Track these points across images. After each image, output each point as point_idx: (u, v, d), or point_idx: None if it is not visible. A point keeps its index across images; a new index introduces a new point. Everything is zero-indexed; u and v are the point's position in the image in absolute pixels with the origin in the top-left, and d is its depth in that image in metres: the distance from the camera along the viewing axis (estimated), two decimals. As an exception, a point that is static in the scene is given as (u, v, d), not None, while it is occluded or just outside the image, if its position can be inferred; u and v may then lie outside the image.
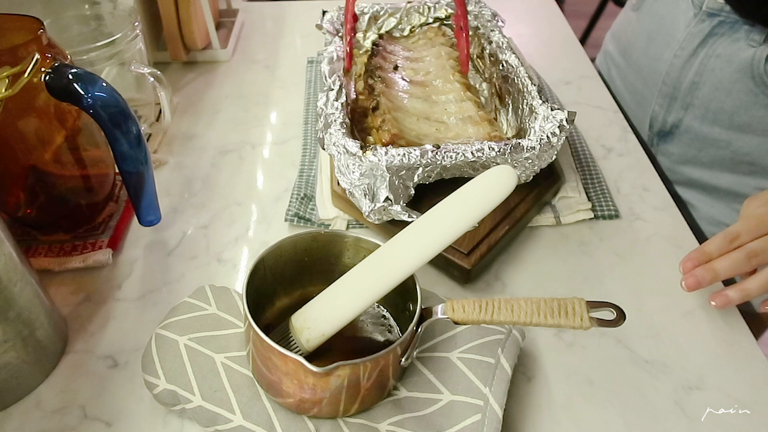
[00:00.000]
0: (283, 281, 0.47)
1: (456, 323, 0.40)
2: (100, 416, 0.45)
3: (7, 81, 0.43)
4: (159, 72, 0.65)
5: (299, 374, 0.38)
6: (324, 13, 0.76)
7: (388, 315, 0.48)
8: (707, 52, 0.64)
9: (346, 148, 0.53)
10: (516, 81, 0.64)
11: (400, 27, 0.81)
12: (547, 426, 0.45)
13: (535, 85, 0.61)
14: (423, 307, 0.41)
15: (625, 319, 0.37)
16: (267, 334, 0.38)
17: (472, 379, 0.43)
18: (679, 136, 0.70)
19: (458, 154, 0.54)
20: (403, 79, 0.70)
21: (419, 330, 0.40)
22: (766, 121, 0.62)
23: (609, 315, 0.38)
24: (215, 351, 0.45)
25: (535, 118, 0.58)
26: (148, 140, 0.71)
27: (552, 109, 0.57)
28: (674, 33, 0.68)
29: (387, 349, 0.38)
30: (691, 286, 0.49)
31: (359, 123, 0.64)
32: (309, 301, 0.42)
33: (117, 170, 0.52)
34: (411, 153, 0.53)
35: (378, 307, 0.48)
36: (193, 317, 0.47)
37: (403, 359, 0.41)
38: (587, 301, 0.38)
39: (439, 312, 0.40)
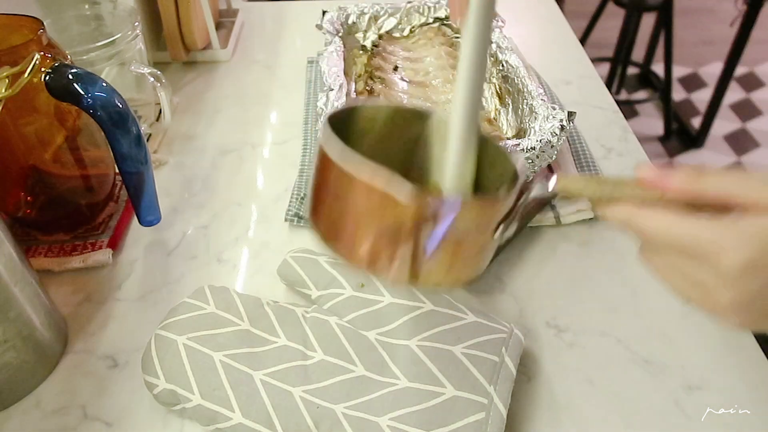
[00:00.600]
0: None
1: (568, 195, 0.34)
2: (100, 416, 0.45)
3: (7, 81, 0.43)
4: (159, 72, 0.65)
5: (384, 206, 0.30)
6: (324, 13, 0.76)
7: None
8: None
9: (346, 148, 0.53)
10: (516, 81, 0.64)
11: (400, 27, 0.81)
12: (547, 426, 0.45)
13: (534, 85, 0.61)
14: (522, 181, 0.34)
15: None
16: None
17: (477, 376, 0.43)
18: None
19: (458, 154, 0.54)
20: (403, 80, 0.70)
21: (523, 199, 0.34)
22: None
23: None
24: (214, 349, 0.45)
25: (535, 118, 0.58)
26: (148, 140, 0.71)
27: (552, 109, 0.57)
28: None
29: (493, 195, 0.31)
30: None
31: (359, 123, 0.64)
32: None
33: (117, 170, 0.52)
34: (411, 153, 0.53)
35: None
36: (192, 317, 0.47)
37: (500, 228, 0.33)
38: None
39: (552, 183, 0.33)
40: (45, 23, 0.48)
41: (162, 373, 0.44)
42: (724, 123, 2.21)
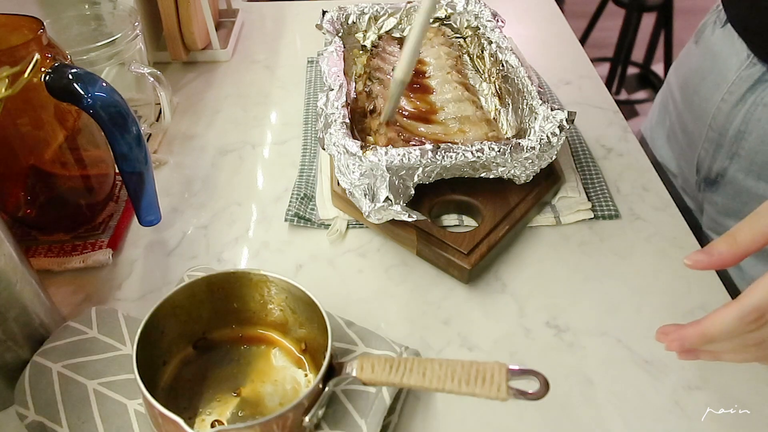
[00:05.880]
0: (181, 335, 0.46)
1: (364, 384, 0.38)
2: (100, 416, 0.45)
3: (7, 81, 0.43)
4: (159, 72, 0.65)
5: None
6: (324, 13, 0.76)
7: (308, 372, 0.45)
8: (755, 99, 0.57)
9: (346, 148, 0.53)
10: (516, 81, 0.64)
11: (400, 27, 0.81)
12: (546, 426, 0.45)
13: (534, 85, 0.61)
14: (337, 360, 0.40)
15: (548, 390, 0.35)
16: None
17: (351, 412, 0.42)
18: (724, 186, 0.63)
19: (458, 154, 0.54)
20: (403, 79, 0.70)
21: (326, 388, 0.39)
22: None
23: (533, 384, 0.35)
24: (89, 377, 0.43)
25: (535, 118, 0.58)
26: (148, 140, 0.71)
27: (552, 109, 0.57)
28: (726, 74, 0.61)
29: (277, 412, 0.36)
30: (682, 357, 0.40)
31: (359, 123, 0.64)
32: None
33: (117, 170, 0.52)
34: (411, 153, 0.53)
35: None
36: (72, 342, 0.45)
37: (306, 418, 0.38)
38: (509, 368, 0.35)
39: (347, 369, 0.39)
40: (45, 23, 0.48)
41: (32, 403, 0.42)
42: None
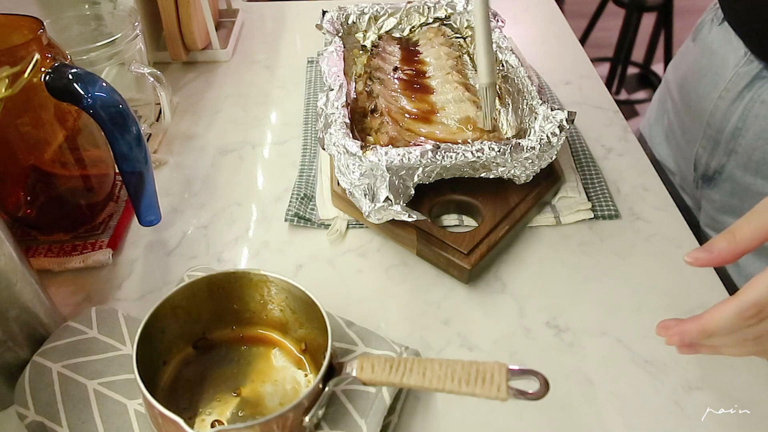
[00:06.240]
0: (182, 335, 0.46)
1: (364, 384, 0.38)
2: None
3: (7, 81, 0.43)
4: (159, 72, 0.65)
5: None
6: (324, 13, 0.76)
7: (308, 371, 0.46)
8: (752, 96, 0.58)
9: (346, 148, 0.53)
10: (516, 81, 0.64)
11: (400, 27, 0.81)
12: (546, 426, 0.45)
13: (534, 85, 0.61)
14: (337, 360, 0.40)
15: (548, 390, 0.35)
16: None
17: (351, 412, 0.42)
18: (722, 183, 0.64)
19: (458, 154, 0.54)
20: (403, 80, 0.70)
21: (326, 388, 0.39)
22: None
23: (533, 384, 0.35)
24: (89, 377, 0.43)
25: (535, 118, 0.58)
26: (148, 140, 0.71)
27: (552, 109, 0.57)
28: (722, 71, 0.62)
29: (277, 412, 0.36)
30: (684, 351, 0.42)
31: (359, 123, 0.64)
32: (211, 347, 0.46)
33: (117, 170, 0.52)
34: (411, 153, 0.53)
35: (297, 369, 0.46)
36: (72, 342, 0.45)
37: (306, 418, 0.38)
38: (509, 368, 0.35)
39: (347, 369, 0.39)
40: (45, 23, 0.48)
41: (32, 403, 0.42)
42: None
